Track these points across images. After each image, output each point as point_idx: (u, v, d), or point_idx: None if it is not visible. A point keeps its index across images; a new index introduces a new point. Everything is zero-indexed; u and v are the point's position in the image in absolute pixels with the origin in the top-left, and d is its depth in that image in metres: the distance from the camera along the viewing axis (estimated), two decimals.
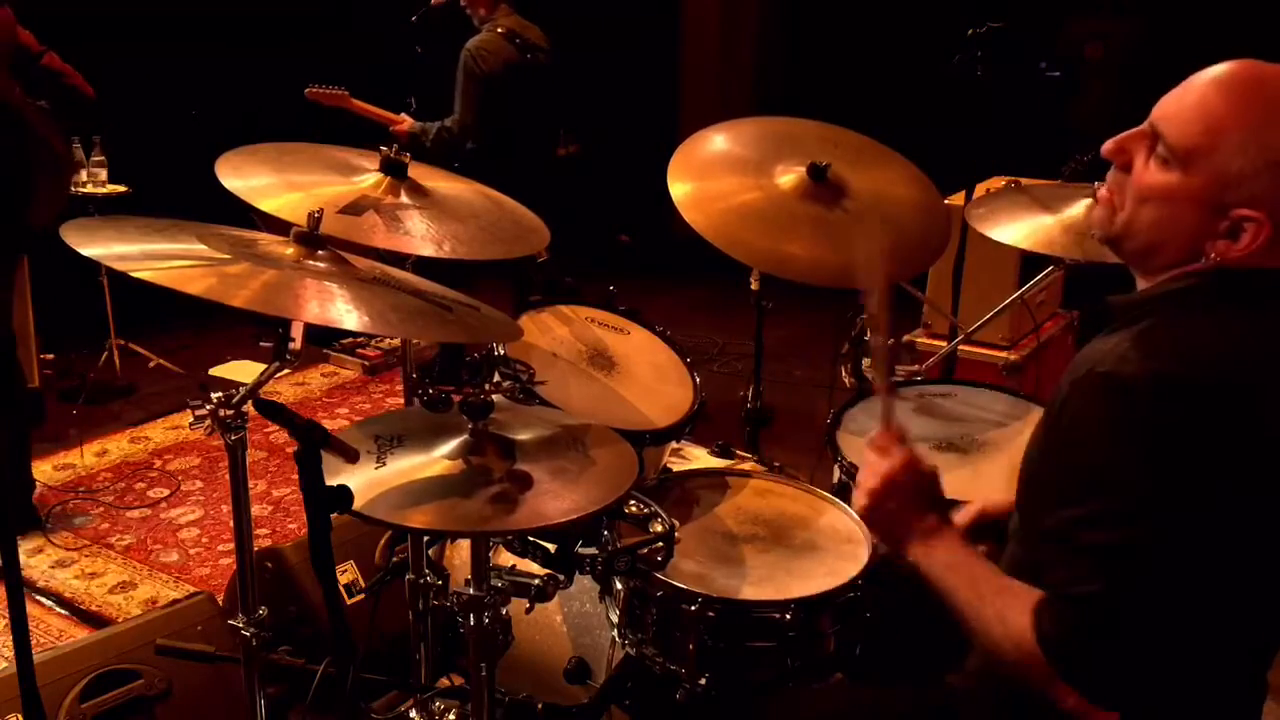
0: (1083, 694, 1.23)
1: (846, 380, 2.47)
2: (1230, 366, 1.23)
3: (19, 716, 1.76)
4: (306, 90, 4.31)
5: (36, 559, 3.27)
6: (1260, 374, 1.24)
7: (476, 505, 1.52)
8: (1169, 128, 1.27)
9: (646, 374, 2.28)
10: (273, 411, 1.42)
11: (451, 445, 1.62)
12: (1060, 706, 1.24)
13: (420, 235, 1.86)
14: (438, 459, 1.60)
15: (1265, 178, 1.22)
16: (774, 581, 1.83)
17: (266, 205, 1.77)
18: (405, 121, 4.25)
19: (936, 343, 3.48)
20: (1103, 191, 1.38)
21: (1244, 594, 1.28)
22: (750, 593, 1.80)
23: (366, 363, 4.90)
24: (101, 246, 1.42)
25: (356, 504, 1.44)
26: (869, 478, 1.47)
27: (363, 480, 1.51)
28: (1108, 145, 1.35)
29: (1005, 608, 1.29)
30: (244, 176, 1.83)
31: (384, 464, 1.58)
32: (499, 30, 4.12)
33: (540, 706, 1.91)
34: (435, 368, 3.92)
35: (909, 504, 1.44)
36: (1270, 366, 1.25)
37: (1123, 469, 1.21)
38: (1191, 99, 1.26)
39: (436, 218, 1.91)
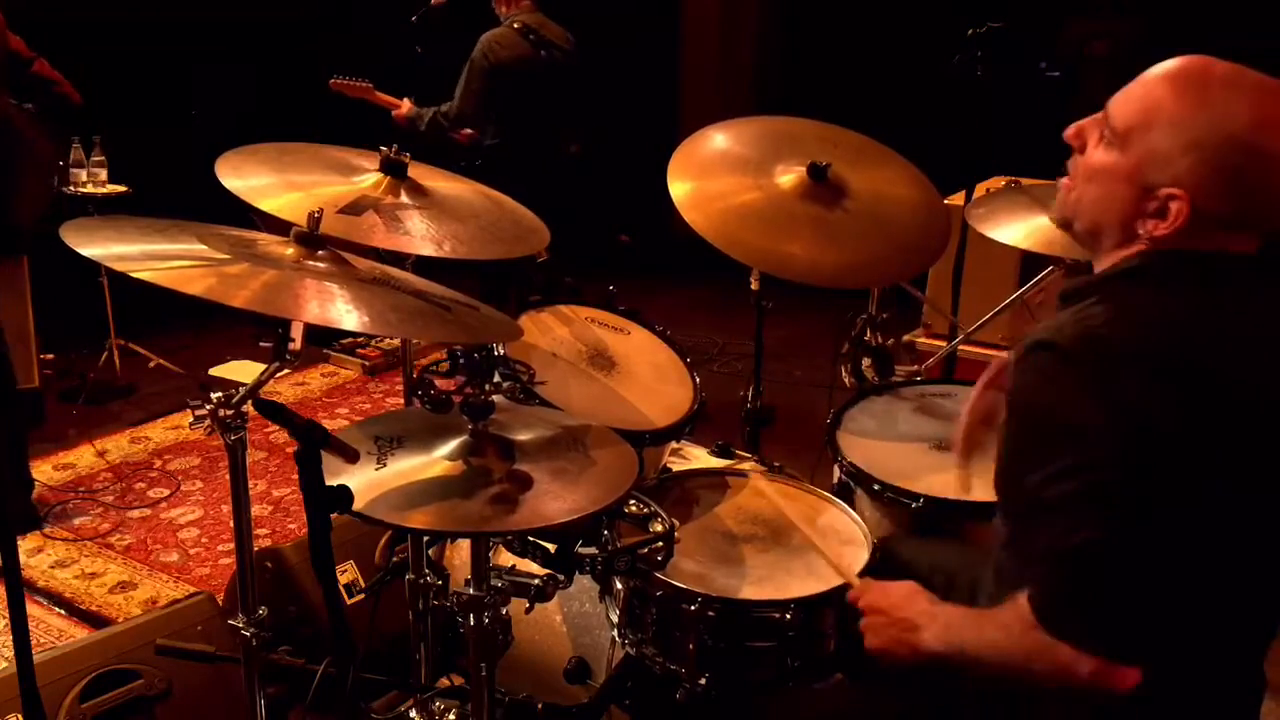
0: (1083, 647, 1.24)
1: (846, 380, 2.48)
2: (1159, 333, 1.27)
3: (19, 716, 1.76)
4: (331, 81, 4.35)
5: (36, 559, 3.27)
6: (1191, 342, 1.27)
7: (476, 506, 1.52)
8: (1114, 110, 1.33)
9: (646, 374, 2.28)
10: (273, 411, 1.42)
11: (451, 446, 1.62)
12: (1078, 681, 1.25)
13: (420, 235, 1.86)
14: (438, 460, 1.60)
15: (1188, 158, 1.25)
16: (774, 581, 1.83)
17: (266, 205, 1.77)
18: (404, 105, 4.29)
19: (936, 343, 3.49)
20: (1064, 178, 1.44)
21: (1225, 540, 1.29)
22: (750, 593, 1.80)
23: (366, 363, 4.90)
24: (101, 247, 1.42)
25: (357, 505, 1.44)
26: (870, 616, 1.52)
27: (363, 481, 1.51)
28: (1068, 130, 1.41)
29: (1002, 619, 1.31)
30: (244, 176, 1.83)
31: (384, 465, 1.58)
32: (515, 25, 4.17)
33: (540, 706, 1.91)
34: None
35: (905, 605, 1.48)
36: (1202, 338, 1.28)
37: (1064, 421, 1.24)
38: (1139, 87, 1.32)
39: (436, 218, 1.91)
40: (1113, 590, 1.24)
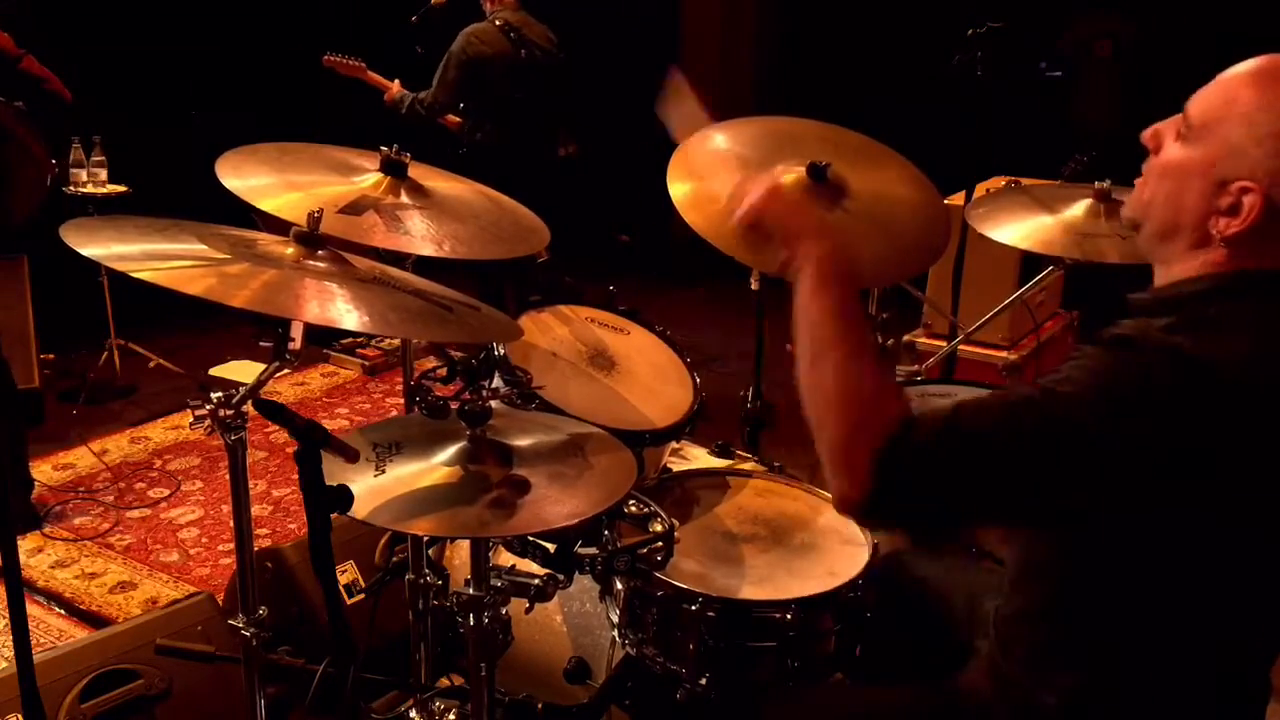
0: (875, 499, 1.20)
1: None
2: (1257, 362, 1.21)
3: (19, 716, 1.76)
4: (324, 58, 4.36)
5: (36, 559, 3.27)
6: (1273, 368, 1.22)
7: (475, 511, 1.53)
8: (1192, 106, 1.29)
9: (646, 374, 2.28)
10: (273, 411, 1.42)
11: (450, 452, 1.62)
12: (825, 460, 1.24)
13: (420, 235, 1.86)
14: (436, 466, 1.60)
15: (1261, 148, 1.22)
16: (774, 581, 1.83)
17: (266, 205, 1.77)
18: (394, 87, 4.33)
19: (936, 343, 3.48)
20: (1139, 179, 1.39)
21: (1205, 583, 1.26)
22: (750, 593, 1.80)
23: (366, 363, 4.90)
24: (101, 246, 1.42)
25: (357, 512, 1.44)
26: (754, 188, 1.44)
27: (362, 488, 1.51)
28: (1145, 132, 1.36)
29: (873, 387, 1.26)
30: (244, 176, 1.82)
31: (383, 471, 1.58)
32: (496, 22, 4.22)
33: (540, 706, 1.91)
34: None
35: (799, 205, 1.44)
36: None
37: (1100, 409, 1.17)
38: (1217, 84, 1.28)
39: (436, 217, 1.91)
40: (950, 490, 1.20)
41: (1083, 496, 1.19)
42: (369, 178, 1.94)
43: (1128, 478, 1.18)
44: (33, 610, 2.97)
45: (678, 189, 2.16)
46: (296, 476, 1.40)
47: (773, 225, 1.45)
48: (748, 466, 2.30)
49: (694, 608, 1.75)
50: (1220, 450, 1.18)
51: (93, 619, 2.99)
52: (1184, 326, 1.22)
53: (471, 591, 1.66)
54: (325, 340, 4.94)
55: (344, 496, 1.42)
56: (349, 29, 5.86)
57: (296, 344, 1.59)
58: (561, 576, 1.71)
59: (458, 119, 4.37)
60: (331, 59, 4.38)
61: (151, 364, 4.54)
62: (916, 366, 2.75)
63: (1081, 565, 1.29)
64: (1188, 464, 1.17)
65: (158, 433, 4.19)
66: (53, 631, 2.94)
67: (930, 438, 1.20)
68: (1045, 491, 1.20)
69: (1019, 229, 2.36)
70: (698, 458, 2.39)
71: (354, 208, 1.84)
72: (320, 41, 4.49)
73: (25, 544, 3.31)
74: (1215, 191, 1.25)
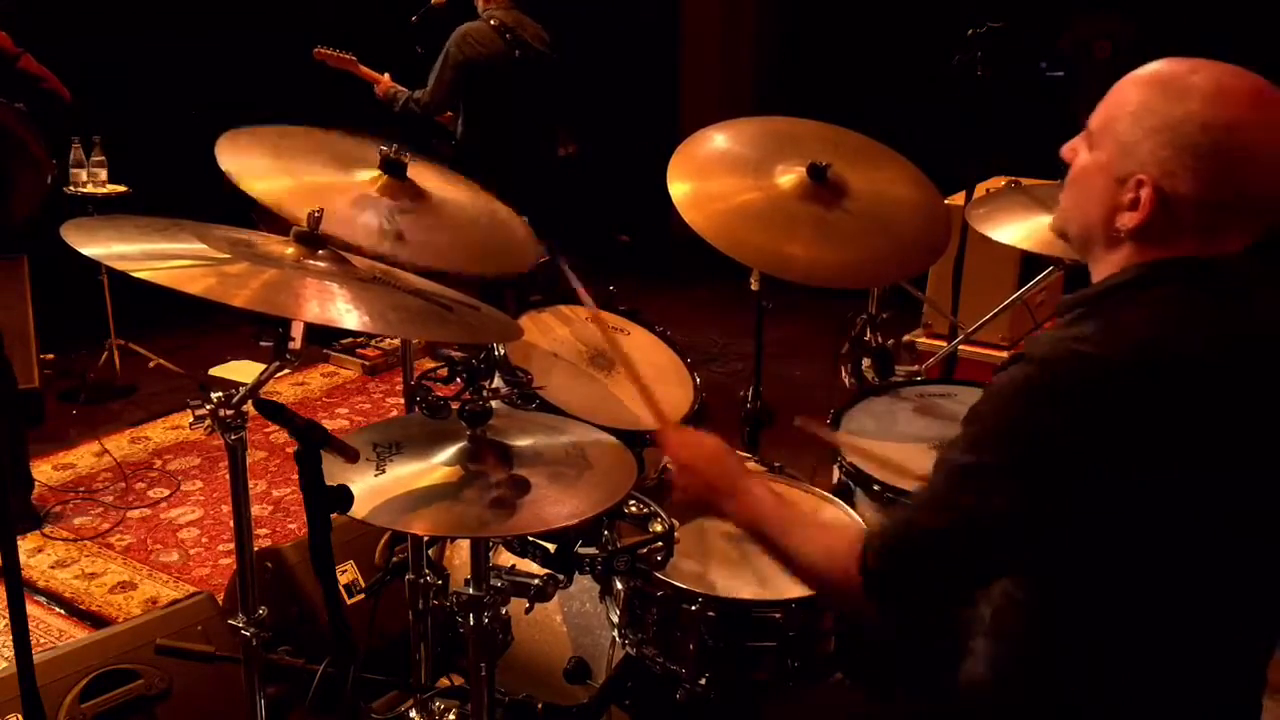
0: (882, 609, 1.32)
1: (846, 380, 2.47)
2: (1155, 347, 1.24)
3: (19, 716, 1.76)
4: (315, 50, 4.36)
5: (36, 559, 3.27)
6: (1188, 353, 1.24)
7: (475, 511, 1.53)
8: (1094, 115, 1.35)
9: (647, 374, 2.27)
10: (273, 411, 1.42)
11: (450, 452, 1.62)
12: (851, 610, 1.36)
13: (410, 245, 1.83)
14: (436, 466, 1.60)
15: (1149, 141, 1.26)
16: (774, 581, 1.83)
17: (259, 187, 1.75)
18: (385, 80, 4.33)
19: (936, 343, 3.48)
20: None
21: (1215, 546, 1.27)
22: (750, 593, 1.80)
23: (366, 363, 4.90)
24: (101, 246, 1.42)
25: (357, 512, 1.44)
26: (680, 474, 1.62)
27: (363, 487, 1.50)
28: (1063, 149, 1.42)
29: (833, 541, 1.39)
30: (240, 157, 1.79)
31: (383, 471, 1.58)
32: (491, 22, 4.21)
33: (540, 706, 1.91)
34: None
35: (719, 465, 1.59)
36: (1201, 345, 1.25)
37: (1011, 422, 1.24)
38: (1114, 89, 1.33)
39: (429, 227, 1.89)
40: (937, 583, 1.30)
41: (1047, 527, 1.24)
42: (367, 173, 1.93)
43: (1070, 485, 1.21)
44: (33, 610, 2.97)
45: (678, 189, 2.16)
46: (296, 476, 1.40)
47: (695, 500, 1.61)
48: (748, 466, 2.30)
49: (694, 608, 1.75)
50: (1138, 438, 1.21)
51: (93, 619, 2.99)
52: (1090, 325, 1.27)
53: (471, 591, 1.67)
54: (325, 340, 4.94)
55: (344, 496, 1.42)
56: (349, 27, 5.85)
57: (296, 344, 1.59)
58: (561, 576, 1.71)
59: (451, 114, 4.38)
60: (323, 52, 4.38)
61: (151, 364, 4.54)
62: (916, 366, 2.75)
63: (1074, 568, 1.29)
64: (1117, 457, 1.20)
65: (158, 433, 4.19)
66: (53, 631, 2.94)
67: (892, 557, 1.30)
68: (1016, 541, 1.26)
69: (1019, 229, 2.36)
70: None
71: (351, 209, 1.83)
72: (320, 39, 4.49)
73: (25, 544, 3.31)
74: (1116, 189, 1.30)
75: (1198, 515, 1.24)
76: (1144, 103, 1.27)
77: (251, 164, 1.80)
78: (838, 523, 1.44)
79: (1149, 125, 1.26)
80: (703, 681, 1.75)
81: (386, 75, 4.37)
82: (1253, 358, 1.27)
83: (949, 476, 1.27)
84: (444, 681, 2.15)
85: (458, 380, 1.99)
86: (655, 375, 2.29)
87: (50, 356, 4.46)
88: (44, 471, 3.80)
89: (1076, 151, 1.39)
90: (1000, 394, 1.27)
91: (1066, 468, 1.21)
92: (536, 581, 1.68)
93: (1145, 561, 1.24)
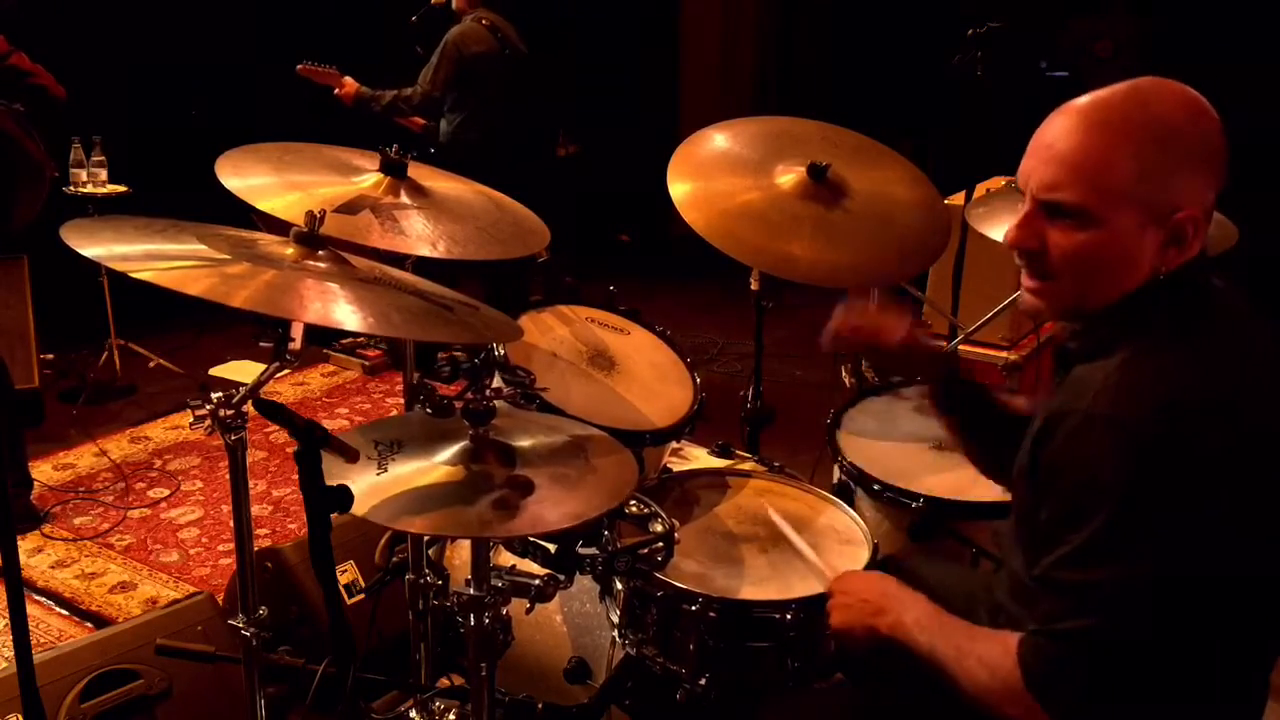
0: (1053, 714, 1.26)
1: (846, 380, 2.47)
2: (1212, 385, 1.25)
3: (19, 716, 1.76)
4: (299, 66, 4.36)
5: (36, 559, 3.27)
6: (1235, 384, 1.26)
7: (477, 511, 1.52)
8: (1058, 195, 1.29)
9: (646, 374, 2.27)
10: (273, 411, 1.42)
11: (452, 451, 1.62)
12: None
13: (417, 236, 1.86)
14: (438, 465, 1.60)
15: (1182, 173, 1.26)
16: (774, 582, 1.83)
17: (266, 206, 1.76)
18: (348, 84, 4.33)
19: (936, 343, 3.48)
20: (1029, 283, 1.38)
21: (1238, 607, 1.28)
22: (750, 593, 1.80)
23: (366, 363, 4.90)
24: (101, 247, 1.42)
25: (358, 510, 1.44)
26: (838, 597, 1.59)
27: (364, 486, 1.50)
28: (1010, 239, 1.35)
29: (986, 653, 1.33)
30: (244, 176, 1.82)
31: (385, 470, 1.58)
32: (483, 23, 4.29)
33: (540, 706, 1.91)
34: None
35: (873, 589, 1.55)
36: (1242, 374, 1.27)
37: (1122, 499, 1.21)
38: (1056, 157, 1.29)
39: (434, 218, 1.91)
40: (1108, 682, 1.24)
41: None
42: (369, 178, 1.94)
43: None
44: (33, 610, 2.97)
45: (678, 189, 2.16)
46: (296, 476, 1.40)
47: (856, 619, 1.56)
48: (748, 466, 2.30)
49: (694, 608, 1.75)
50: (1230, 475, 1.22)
51: (93, 619, 2.99)
52: (1135, 358, 1.27)
53: (472, 591, 1.66)
54: (325, 340, 4.94)
55: (344, 496, 1.42)
56: (349, 29, 5.86)
57: (296, 344, 1.59)
58: (562, 576, 1.71)
59: (421, 120, 4.44)
60: (307, 68, 4.38)
61: (151, 364, 4.54)
62: None
63: None
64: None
65: (158, 433, 4.19)
66: (53, 631, 2.94)
67: (1075, 668, 1.24)
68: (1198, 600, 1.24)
69: None
70: (698, 458, 2.39)
71: (350, 208, 1.84)
72: (320, 40, 4.49)
73: (25, 544, 3.31)
74: (1156, 236, 1.27)
75: (1242, 539, 1.25)
76: (1137, 145, 1.26)
77: (256, 182, 1.81)
78: (987, 633, 1.38)
79: (1164, 161, 1.25)
80: (703, 682, 1.75)
81: (348, 79, 4.37)
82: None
83: (1120, 565, 1.22)
84: (444, 681, 2.16)
85: (460, 379, 1.99)
86: (655, 375, 2.29)
87: (50, 356, 4.46)
88: (44, 471, 3.80)
89: (1040, 236, 1.33)
90: (1091, 467, 1.23)
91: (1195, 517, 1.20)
92: (537, 582, 1.67)
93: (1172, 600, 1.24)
